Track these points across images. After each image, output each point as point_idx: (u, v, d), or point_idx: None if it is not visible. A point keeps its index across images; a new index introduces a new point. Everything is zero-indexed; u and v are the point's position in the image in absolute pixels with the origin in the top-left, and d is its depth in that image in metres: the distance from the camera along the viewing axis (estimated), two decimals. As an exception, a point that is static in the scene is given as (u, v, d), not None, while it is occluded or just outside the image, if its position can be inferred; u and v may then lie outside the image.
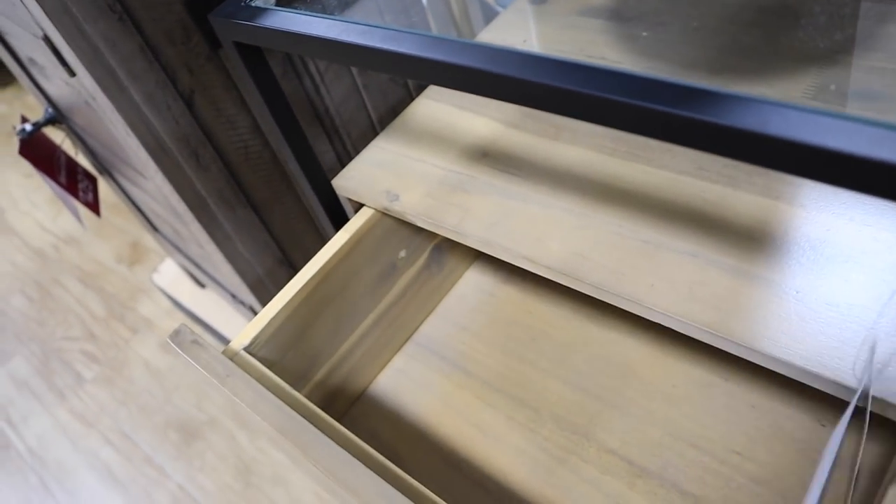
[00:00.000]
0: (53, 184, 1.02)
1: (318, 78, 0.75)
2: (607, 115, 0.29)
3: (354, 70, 0.78)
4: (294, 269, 0.85)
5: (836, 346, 0.39)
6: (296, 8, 0.45)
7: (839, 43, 0.55)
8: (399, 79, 0.81)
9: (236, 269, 0.78)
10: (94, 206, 1.09)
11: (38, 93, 0.97)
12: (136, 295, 1.72)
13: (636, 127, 0.29)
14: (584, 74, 0.30)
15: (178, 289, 1.36)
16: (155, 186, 0.79)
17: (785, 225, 0.45)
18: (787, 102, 0.27)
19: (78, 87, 0.68)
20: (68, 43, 0.56)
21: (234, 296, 1.00)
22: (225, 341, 1.34)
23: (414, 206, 0.54)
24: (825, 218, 0.45)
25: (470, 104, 0.61)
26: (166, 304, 1.63)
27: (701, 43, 0.58)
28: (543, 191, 0.52)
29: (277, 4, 0.47)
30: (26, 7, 0.58)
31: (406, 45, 0.36)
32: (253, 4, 0.46)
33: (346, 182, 0.58)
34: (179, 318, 1.58)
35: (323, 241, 0.87)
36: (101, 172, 1.13)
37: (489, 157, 0.56)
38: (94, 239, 1.92)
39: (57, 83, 0.81)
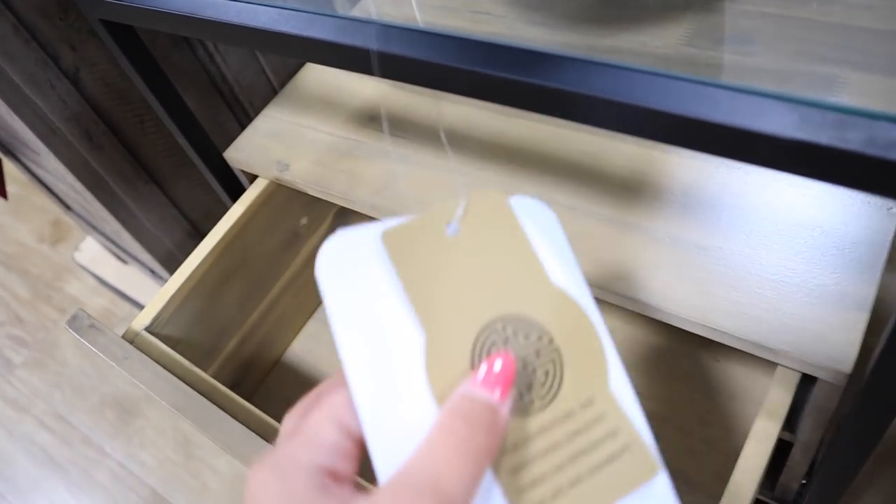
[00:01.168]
0: (-49, 168, 0.98)
1: (211, 47, 0.73)
2: (450, 82, 0.30)
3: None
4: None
5: (705, 289, 0.41)
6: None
7: (714, -12, 0.56)
8: (262, 53, 0.79)
9: (145, 247, 0.77)
10: (0, 190, 1.05)
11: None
12: (61, 274, 1.67)
13: (477, 93, 0.30)
14: (427, 42, 0.30)
15: (102, 266, 1.33)
16: (52, 166, 0.77)
17: (658, 173, 0.47)
18: (616, 62, 0.28)
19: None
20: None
21: (152, 271, 0.99)
22: (153, 316, 1.33)
23: (304, 174, 0.54)
24: (697, 164, 0.47)
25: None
26: (93, 281, 1.60)
27: (584, -7, 0.58)
28: (429, 151, 0.52)
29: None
30: None
31: (262, 20, 0.36)
32: (113, -22, 0.45)
33: (238, 154, 0.57)
34: (107, 296, 1.55)
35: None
36: (4, 153, 1.09)
37: (376, 120, 0.56)
38: (12, 220, 1.85)
39: None
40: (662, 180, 0.46)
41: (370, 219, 0.66)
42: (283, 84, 0.83)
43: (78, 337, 0.54)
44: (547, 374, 0.27)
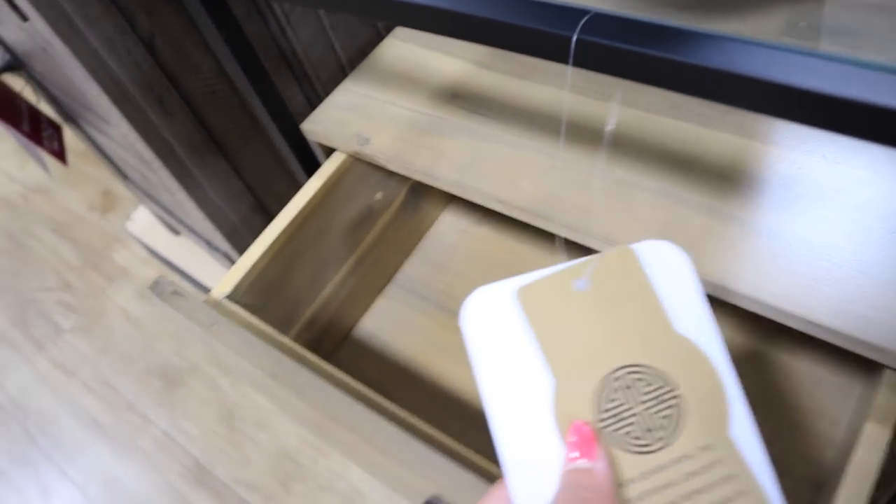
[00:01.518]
0: (17, 133, 0.99)
1: (283, 19, 0.73)
2: (579, 56, 0.29)
3: (321, 10, 0.75)
4: (269, 216, 0.84)
5: (809, 283, 0.39)
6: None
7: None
8: (365, 20, 0.79)
9: (209, 217, 0.77)
10: (60, 155, 1.06)
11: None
12: (110, 243, 1.69)
13: (607, 68, 0.28)
14: (551, 13, 0.29)
15: (153, 236, 1.34)
16: (120, 133, 0.77)
17: (757, 164, 0.45)
18: (757, 40, 0.26)
19: (32, 33, 0.65)
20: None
21: (209, 243, 0.99)
22: (203, 288, 1.34)
23: (384, 149, 0.53)
24: (797, 156, 0.45)
25: (439, 44, 0.60)
26: (142, 252, 1.62)
27: (675, -24, 0.57)
28: (515, 132, 0.51)
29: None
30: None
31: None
32: (209, -59, 0.44)
33: (315, 126, 0.57)
34: (156, 266, 1.57)
35: (297, 186, 0.86)
36: (65, 120, 1.10)
37: (459, 98, 0.55)
38: (65, 188, 1.88)
39: (11, 27, 0.77)
40: (760, 171, 0.45)
41: (450, 196, 0.65)
42: (351, 60, 0.82)
43: (161, 303, 0.54)
44: (666, 418, 0.29)
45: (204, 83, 0.70)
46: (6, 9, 0.64)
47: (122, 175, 1.14)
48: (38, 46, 0.71)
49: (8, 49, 0.94)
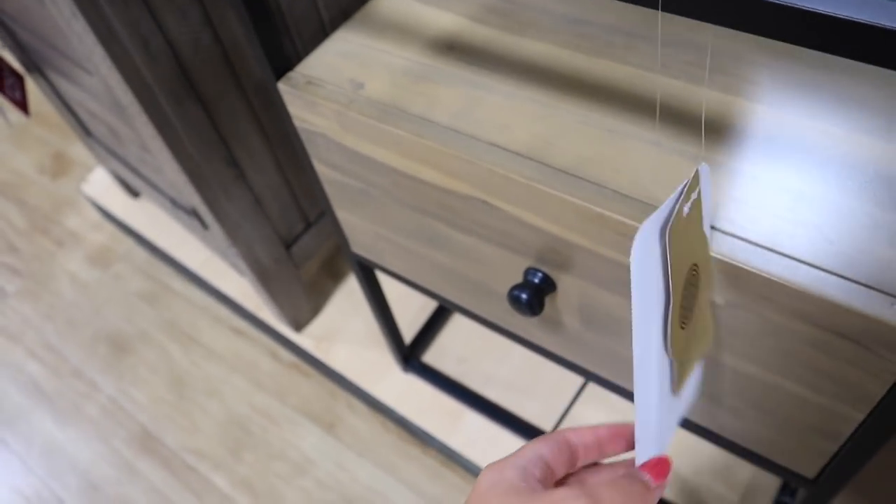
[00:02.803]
0: (-24, 77, 0.96)
1: (272, -30, 0.73)
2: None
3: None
4: (240, 169, 0.83)
5: (789, 227, 0.42)
6: None
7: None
8: None
9: (183, 168, 0.76)
10: (22, 105, 1.03)
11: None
12: (60, 207, 1.64)
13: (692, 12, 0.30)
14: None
15: (109, 199, 1.32)
16: (99, 80, 0.76)
17: (742, 119, 0.47)
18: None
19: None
20: None
21: (174, 201, 0.98)
22: (160, 253, 1.32)
23: (379, 94, 0.53)
24: (780, 114, 0.48)
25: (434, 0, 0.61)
26: (94, 216, 1.57)
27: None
28: (509, 82, 0.52)
29: None
30: None
31: None
32: None
33: (310, 70, 0.57)
34: (108, 231, 1.53)
35: (269, 141, 0.85)
36: (28, 70, 1.07)
37: (455, 49, 0.56)
38: (13, 149, 1.81)
39: None
40: (746, 126, 0.47)
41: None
42: (332, 20, 0.83)
43: (295, 94, 0.53)
44: (689, 299, 0.39)
45: (189, 30, 0.70)
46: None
47: (85, 131, 1.12)
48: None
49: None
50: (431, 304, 1.07)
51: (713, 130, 0.47)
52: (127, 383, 1.30)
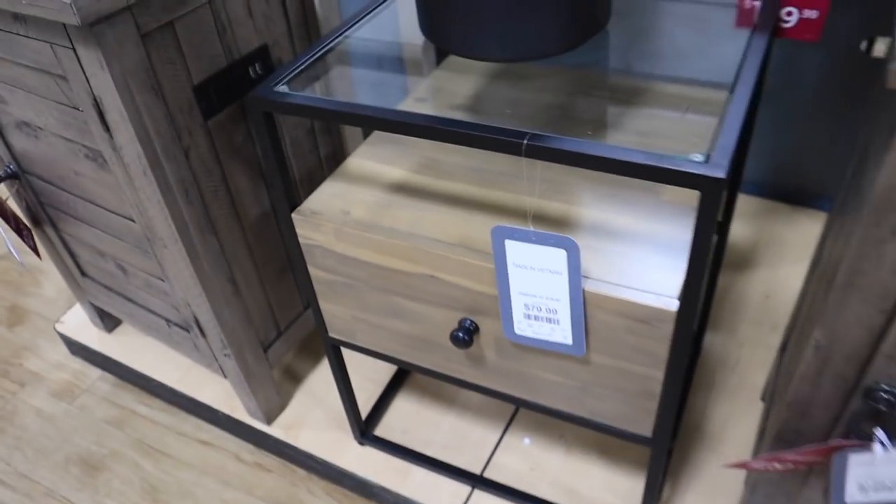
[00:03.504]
0: (5, 228, 1.22)
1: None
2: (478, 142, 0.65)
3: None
4: (236, 286, 1.11)
5: (613, 268, 0.76)
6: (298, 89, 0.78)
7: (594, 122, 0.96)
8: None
9: (202, 285, 1.04)
10: (35, 250, 1.29)
11: (2, 146, 1.18)
12: (20, 352, 1.80)
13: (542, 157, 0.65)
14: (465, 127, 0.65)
15: (85, 335, 1.53)
16: (141, 224, 1.04)
17: (574, 217, 0.83)
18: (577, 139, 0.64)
19: (101, 143, 0.94)
20: (125, 108, 0.84)
21: (168, 321, 1.23)
22: (136, 376, 1.52)
23: (360, 216, 0.86)
24: (594, 211, 0.83)
25: (386, 160, 0.95)
26: (55, 358, 1.75)
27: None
28: (440, 206, 0.87)
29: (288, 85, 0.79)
30: (87, 79, 0.84)
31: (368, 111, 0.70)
32: (275, 89, 0.78)
33: (312, 206, 0.89)
34: (71, 370, 1.71)
35: (256, 264, 1.15)
36: (35, 225, 1.33)
37: (403, 189, 0.90)
38: (-34, 305, 1.97)
39: (23, 139, 1.05)
40: (581, 221, 0.82)
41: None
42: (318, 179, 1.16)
43: (303, 220, 0.81)
44: None
45: (212, 184, 1.01)
46: (63, 125, 0.93)
47: (80, 272, 1.36)
48: (71, 154, 0.99)
49: (15, 159, 1.19)
50: (377, 394, 1.35)
51: (562, 225, 0.82)
52: (102, 496, 1.46)
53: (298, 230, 0.89)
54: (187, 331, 1.20)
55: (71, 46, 0.82)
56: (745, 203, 1.66)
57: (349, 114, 0.73)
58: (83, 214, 1.16)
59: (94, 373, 1.70)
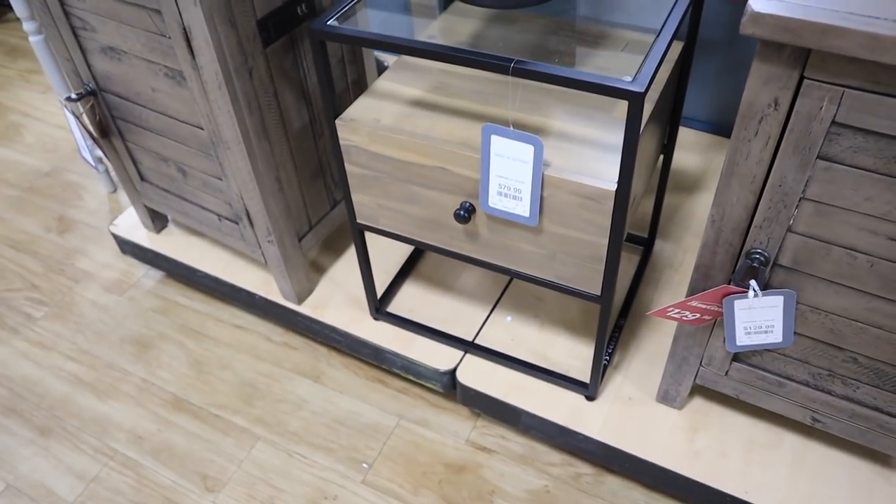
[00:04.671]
0: (85, 135, 1.49)
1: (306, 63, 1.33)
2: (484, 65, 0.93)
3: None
4: (280, 184, 1.39)
5: (574, 161, 1.05)
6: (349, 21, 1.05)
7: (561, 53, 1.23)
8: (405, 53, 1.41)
9: (257, 181, 1.32)
10: (106, 154, 1.55)
11: (84, 68, 1.44)
12: (71, 255, 2.06)
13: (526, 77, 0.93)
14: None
15: (137, 234, 1.81)
16: (209, 131, 1.31)
17: (545, 123, 1.11)
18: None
19: (183, 64, 1.20)
20: (210, 35, 1.10)
21: (219, 216, 1.52)
22: (183, 268, 1.80)
23: (388, 123, 1.14)
24: (558, 120, 1.12)
25: (406, 83, 1.23)
26: (103, 258, 2.02)
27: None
28: (449, 115, 1.15)
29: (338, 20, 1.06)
30: (179, 12, 1.11)
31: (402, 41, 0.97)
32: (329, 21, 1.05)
33: (350, 115, 1.17)
34: (118, 269, 1.99)
35: (296, 168, 1.43)
36: (102, 136, 1.60)
37: (420, 103, 1.18)
38: (18, 216, 2.19)
39: (105, 62, 1.31)
40: (549, 126, 1.11)
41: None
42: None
43: (343, 125, 1.09)
44: None
45: (267, 97, 1.28)
46: (150, 49, 1.19)
47: (140, 177, 1.64)
48: (151, 74, 1.26)
49: (94, 79, 1.45)
50: (388, 281, 1.64)
51: (534, 130, 1.11)
52: (154, 367, 1.75)
53: (340, 133, 1.17)
54: (236, 223, 1.48)
55: (170, -16, 1.08)
56: (696, 137, 1.95)
57: (384, 42, 1.00)
58: (154, 125, 1.43)
59: (140, 271, 1.98)
